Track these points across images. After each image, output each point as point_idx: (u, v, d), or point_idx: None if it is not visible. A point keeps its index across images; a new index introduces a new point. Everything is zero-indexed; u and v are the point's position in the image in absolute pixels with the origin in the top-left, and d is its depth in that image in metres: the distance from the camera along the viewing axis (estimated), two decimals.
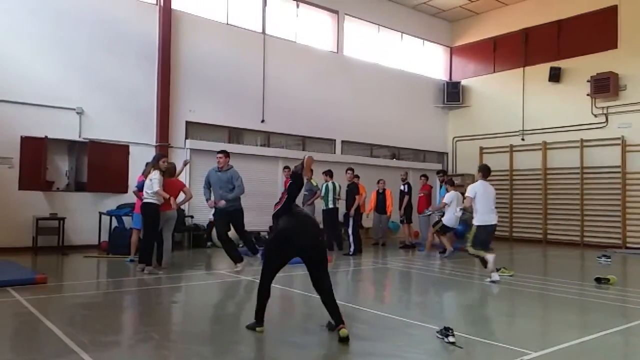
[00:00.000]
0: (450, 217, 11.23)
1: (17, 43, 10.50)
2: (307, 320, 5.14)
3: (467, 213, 10.06)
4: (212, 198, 8.79)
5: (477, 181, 8.69)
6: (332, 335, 4.81)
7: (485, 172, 8.69)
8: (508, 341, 4.59)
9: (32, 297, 6.06)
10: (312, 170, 5.20)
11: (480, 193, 8.38)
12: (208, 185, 8.85)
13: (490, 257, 8.06)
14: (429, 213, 12.91)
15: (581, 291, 7.49)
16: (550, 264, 11.62)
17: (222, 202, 8.58)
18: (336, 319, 4.64)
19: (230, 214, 8.70)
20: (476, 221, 8.39)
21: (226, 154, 8.95)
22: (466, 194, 8.63)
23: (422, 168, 16.66)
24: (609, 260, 11.02)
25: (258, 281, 4.93)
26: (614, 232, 14.31)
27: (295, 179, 5.00)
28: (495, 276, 8.02)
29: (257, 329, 4.77)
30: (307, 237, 4.74)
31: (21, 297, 6.05)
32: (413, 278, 8.90)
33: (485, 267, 8.15)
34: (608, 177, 14.51)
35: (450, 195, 11.53)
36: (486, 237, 8.45)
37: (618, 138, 14.29)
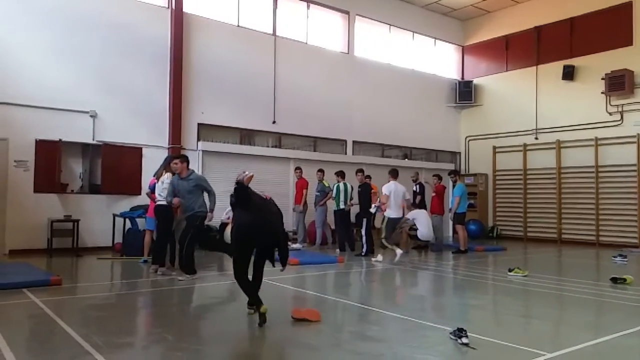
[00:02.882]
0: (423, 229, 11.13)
1: (31, 48, 10.62)
2: (319, 321, 5.14)
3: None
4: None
5: (389, 182, 10.49)
6: (346, 337, 4.81)
7: (395, 174, 10.68)
8: (522, 342, 4.55)
9: (47, 299, 6.12)
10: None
11: (393, 191, 10.32)
12: (173, 192, 7.88)
13: (399, 252, 10.00)
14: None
15: (597, 291, 7.40)
16: (565, 263, 11.50)
17: (210, 215, 7.89)
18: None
19: (191, 217, 7.82)
20: (388, 214, 10.36)
21: (182, 159, 7.95)
22: (383, 192, 10.43)
23: (434, 168, 16.58)
24: (625, 259, 10.88)
25: (255, 275, 5.38)
26: (630, 231, 14.12)
27: (240, 186, 5.19)
28: (397, 255, 9.89)
29: (262, 310, 4.95)
30: (264, 232, 5.11)
31: (36, 298, 6.11)
32: (426, 279, 8.85)
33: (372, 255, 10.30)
34: (623, 176, 14.32)
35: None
36: (394, 227, 10.41)
37: (634, 136, 14.10)
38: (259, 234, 5.08)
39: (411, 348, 4.41)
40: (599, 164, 14.76)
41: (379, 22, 16.60)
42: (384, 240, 10.30)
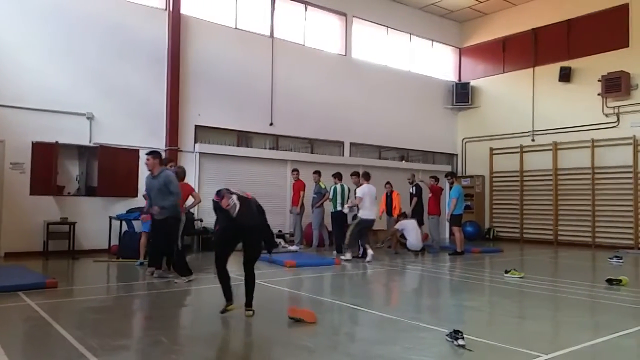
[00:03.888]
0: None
1: (27, 50, 10.60)
2: (315, 323, 5.13)
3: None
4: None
5: (362, 184, 10.90)
6: (342, 338, 4.81)
7: (367, 177, 11.08)
8: (518, 344, 4.55)
9: (42, 302, 6.10)
10: None
11: (366, 193, 10.67)
12: (149, 194, 7.72)
13: (349, 255, 10.62)
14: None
15: (592, 292, 7.42)
16: (561, 265, 11.51)
17: (156, 209, 7.46)
18: (248, 301, 5.53)
19: (162, 223, 7.58)
20: (360, 215, 10.74)
21: (154, 155, 7.53)
22: (357, 195, 10.84)
23: (431, 170, 16.58)
24: (620, 261, 10.91)
25: (247, 276, 5.64)
26: (626, 233, 14.16)
27: (225, 211, 5.44)
28: (348, 256, 10.59)
29: (228, 307, 5.42)
30: (245, 232, 5.51)
31: (32, 301, 6.09)
32: (422, 280, 8.86)
33: (342, 253, 10.86)
34: (620, 177, 14.36)
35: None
36: (363, 228, 10.80)
37: (630, 138, 14.14)
38: (239, 235, 5.55)
39: (407, 349, 4.40)
40: (595, 165, 14.80)
41: (376, 24, 16.62)
42: (348, 233, 10.76)
